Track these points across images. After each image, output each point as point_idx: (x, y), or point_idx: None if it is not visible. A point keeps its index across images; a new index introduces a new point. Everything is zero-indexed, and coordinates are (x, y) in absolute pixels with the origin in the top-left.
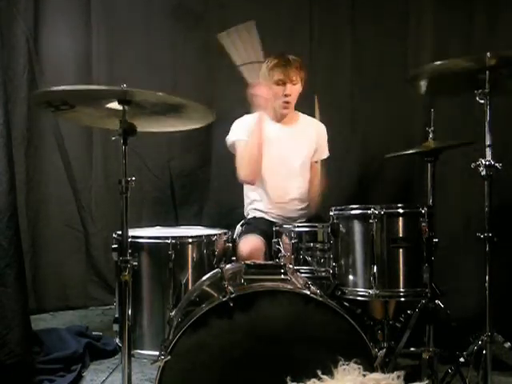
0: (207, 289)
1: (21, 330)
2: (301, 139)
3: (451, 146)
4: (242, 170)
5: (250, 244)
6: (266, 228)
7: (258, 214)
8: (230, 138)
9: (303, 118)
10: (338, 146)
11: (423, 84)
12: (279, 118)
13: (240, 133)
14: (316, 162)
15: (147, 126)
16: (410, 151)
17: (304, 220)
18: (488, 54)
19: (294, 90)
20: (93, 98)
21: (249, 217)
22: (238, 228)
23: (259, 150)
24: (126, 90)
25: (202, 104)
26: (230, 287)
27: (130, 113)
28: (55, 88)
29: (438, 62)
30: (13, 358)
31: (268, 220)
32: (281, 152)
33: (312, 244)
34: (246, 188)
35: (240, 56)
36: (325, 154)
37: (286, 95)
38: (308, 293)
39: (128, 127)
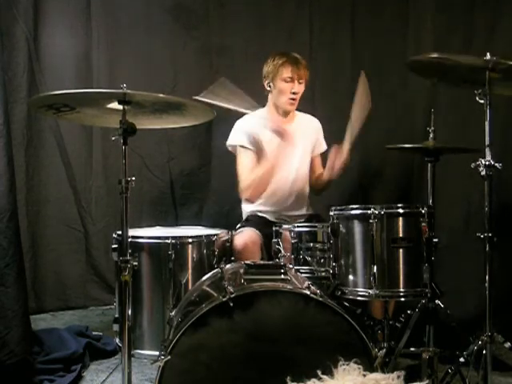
0: (207, 289)
1: (21, 329)
2: (298, 138)
3: (452, 148)
4: (249, 190)
5: (245, 237)
6: (263, 224)
7: (260, 214)
8: (232, 141)
9: (299, 116)
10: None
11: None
12: (279, 118)
13: (242, 137)
14: (318, 155)
15: (148, 123)
16: (412, 145)
17: (303, 219)
18: (488, 55)
19: (300, 88)
20: (93, 99)
21: (248, 217)
22: (237, 227)
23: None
24: (126, 92)
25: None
26: (229, 287)
27: (131, 111)
28: (55, 92)
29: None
30: (13, 358)
31: (267, 219)
32: (286, 151)
33: (312, 244)
34: None
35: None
36: (323, 147)
37: (293, 93)
38: (308, 293)
39: (128, 127)
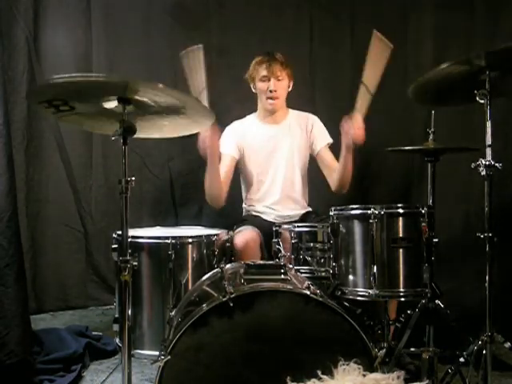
0: (207, 289)
1: (21, 330)
2: (290, 136)
3: (452, 148)
4: (206, 194)
5: (245, 236)
6: (262, 224)
7: (255, 214)
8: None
9: (292, 114)
10: (338, 146)
11: (424, 94)
12: (268, 119)
13: (223, 143)
14: (323, 149)
15: (147, 130)
16: (412, 147)
17: (299, 217)
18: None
19: (280, 85)
20: (92, 93)
21: (244, 216)
22: (235, 227)
23: (216, 184)
24: (127, 81)
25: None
26: (229, 287)
27: (130, 116)
28: (54, 78)
29: (435, 70)
30: (13, 358)
31: (264, 219)
32: (271, 152)
33: (312, 244)
34: (243, 189)
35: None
36: (325, 140)
37: (270, 91)
38: (308, 293)
39: (128, 127)
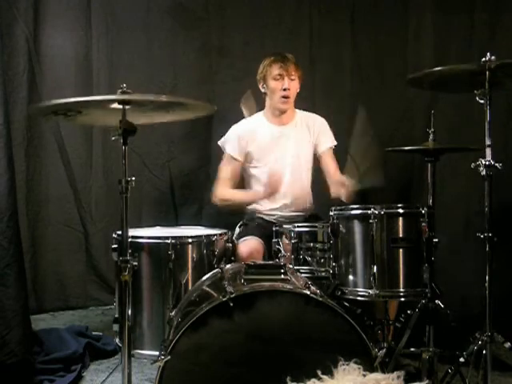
0: (207, 289)
1: (21, 329)
2: (297, 138)
3: (452, 148)
4: (217, 200)
5: (250, 246)
6: (264, 229)
7: (256, 215)
8: (222, 142)
9: (300, 115)
10: (338, 146)
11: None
12: (277, 119)
13: (231, 144)
14: (326, 152)
15: (149, 119)
16: (412, 147)
17: (302, 219)
18: (488, 54)
19: (293, 85)
20: (94, 104)
21: (247, 217)
22: (237, 229)
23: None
24: (125, 98)
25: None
26: (229, 287)
27: (131, 109)
28: (53, 102)
29: (437, 68)
30: (13, 358)
31: (266, 220)
32: (278, 153)
33: (312, 244)
34: (247, 189)
35: None
36: (329, 142)
37: (284, 89)
38: (308, 293)
39: (128, 127)
